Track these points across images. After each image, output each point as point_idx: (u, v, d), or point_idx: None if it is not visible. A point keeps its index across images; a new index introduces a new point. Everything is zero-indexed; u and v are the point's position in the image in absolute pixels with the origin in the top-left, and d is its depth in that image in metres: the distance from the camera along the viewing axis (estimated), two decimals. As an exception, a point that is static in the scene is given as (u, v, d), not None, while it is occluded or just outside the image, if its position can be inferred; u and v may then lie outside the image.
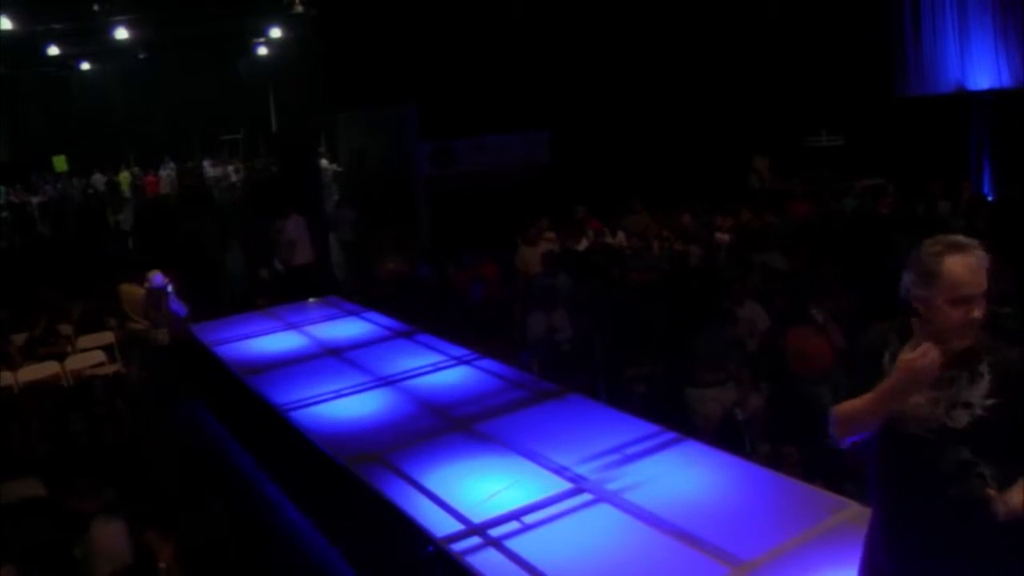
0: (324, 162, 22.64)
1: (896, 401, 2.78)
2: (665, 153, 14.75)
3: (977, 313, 2.75)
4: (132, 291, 9.57)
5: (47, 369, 9.31)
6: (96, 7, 19.02)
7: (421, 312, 8.92)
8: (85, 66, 27.86)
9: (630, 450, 5.17)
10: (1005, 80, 14.09)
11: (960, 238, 2.78)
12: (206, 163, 28.07)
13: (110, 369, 9.63)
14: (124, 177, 26.82)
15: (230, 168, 27.74)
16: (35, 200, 23.78)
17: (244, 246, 13.17)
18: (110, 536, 4.73)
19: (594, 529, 4.39)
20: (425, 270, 11.05)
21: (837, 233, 10.48)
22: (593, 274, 9.62)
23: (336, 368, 7.44)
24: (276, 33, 24.53)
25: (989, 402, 2.75)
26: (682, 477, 4.83)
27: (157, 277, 9.32)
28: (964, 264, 2.73)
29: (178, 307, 9.45)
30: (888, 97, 15.00)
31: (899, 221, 10.72)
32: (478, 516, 4.56)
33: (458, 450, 5.47)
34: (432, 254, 12.06)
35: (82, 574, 4.73)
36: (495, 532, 4.41)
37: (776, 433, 6.36)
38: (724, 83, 15.33)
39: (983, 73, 14.34)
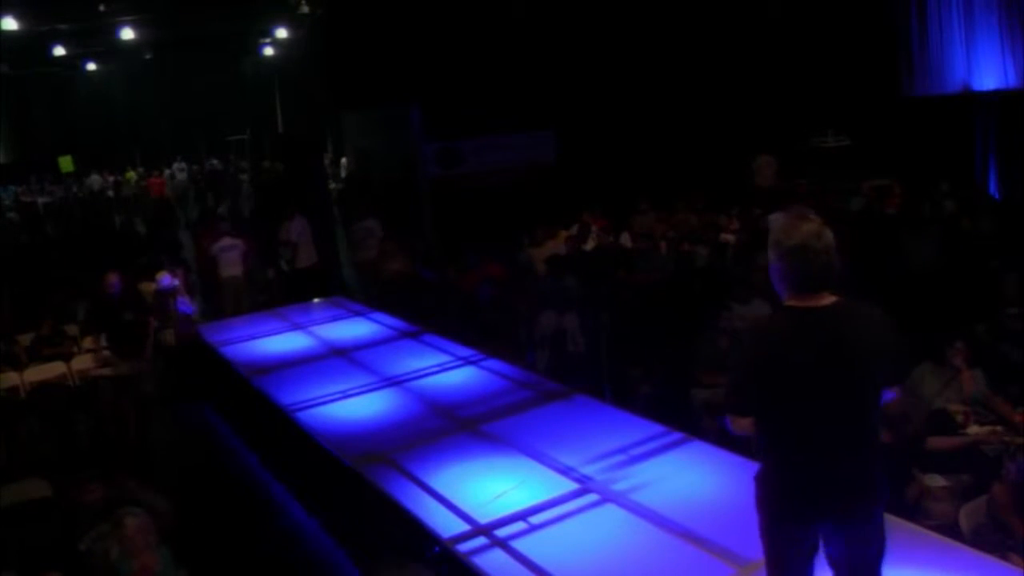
0: (344, 160, 22.45)
1: None
2: (670, 153, 14.73)
3: None
4: (152, 290, 9.58)
5: (53, 369, 9.32)
6: (102, 7, 19.01)
7: (426, 312, 8.92)
8: (91, 67, 27.86)
9: (636, 450, 5.17)
10: (1011, 80, 14.05)
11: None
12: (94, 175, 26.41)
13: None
14: (130, 177, 26.84)
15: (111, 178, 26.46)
16: (40, 200, 23.82)
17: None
18: (141, 531, 4.73)
19: (600, 529, 4.40)
20: (430, 270, 11.05)
21: (843, 233, 10.46)
22: (599, 275, 9.62)
23: (342, 368, 7.45)
24: (282, 33, 24.53)
25: None
26: (688, 477, 4.84)
27: (165, 278, 9.34)
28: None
29: (185, 307, 9.46)
30: (894, 97, 14.97)
31: (906, 221, 10.71)
32: (484, 516, 4.57)
33: (464, 450, 5.48)
34: (437, 254, 12.05)
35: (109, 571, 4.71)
36: (501, 532, 4.42)
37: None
38: (730, 83, 15.31)
39: (989, 73, 14.30)
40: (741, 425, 3.19)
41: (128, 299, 9.06)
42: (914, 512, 4.90)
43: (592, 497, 4.69)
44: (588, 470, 4.98)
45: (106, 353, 8.73)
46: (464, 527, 4.49)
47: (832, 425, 3.06)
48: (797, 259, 3.05)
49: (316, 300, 10.30)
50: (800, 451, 3.10)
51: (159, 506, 5.18)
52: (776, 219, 3.19)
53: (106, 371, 8.56)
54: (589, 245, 11.42)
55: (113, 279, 8.85)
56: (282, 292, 12.00)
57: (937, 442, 5.69)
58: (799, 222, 3.09)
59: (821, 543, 3.25)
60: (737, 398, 3.21)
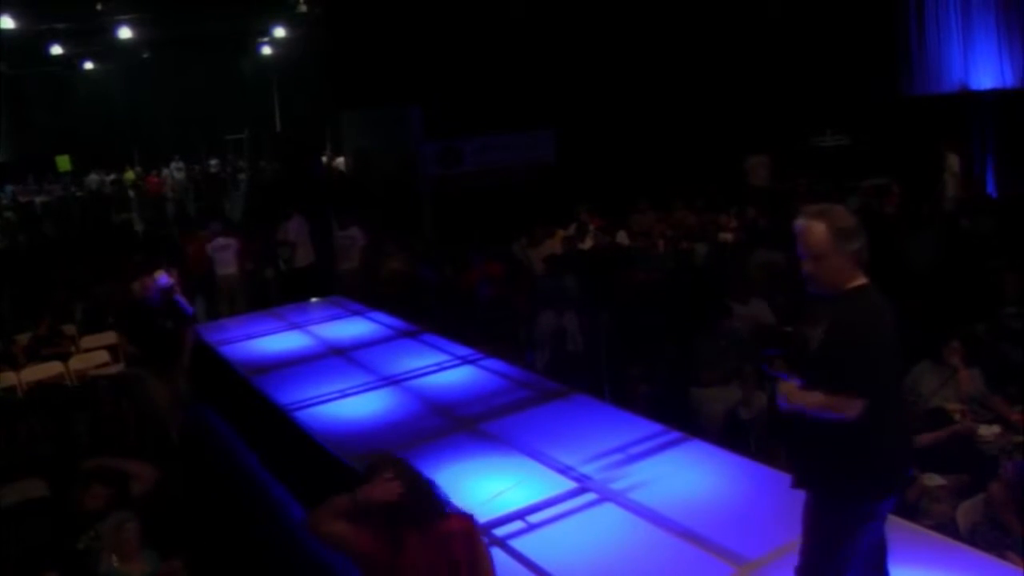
0: (340, 160, 22.33)
1: None
2: (670, 152, 14.75)
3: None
4: None
5: (51, 369, 9.31)
6: (99, 6, 19.03)
7: (425, 311, 8.91)
8: (88, 65, 27.81)
9: (634, 450, 5.17)
10: (1008, 80, 14.09)
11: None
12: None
13: (114, 369, 9.62)
14: (128, 176, 26.79)
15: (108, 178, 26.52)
16: (38, 200, 23.76)
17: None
18: (137, 534, 4.75)
19: (599, 528, 4.40)
20: (429, 270, 11.04)
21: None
22: (598, 274, 9.62)
23: (341, 368, 7.44)
24: (280, 32, 24.53)
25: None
26: (686, 476, 4.84)
27: (162, 277, 9.30)
28: None
29: (184, 307, 9.42)
30: (892, 97, 14.99)
31: (905, 221, 10.71)
32: (483, 516, 4.56)
33: (463, 450, 5.48)
34: (436, 254, 12.05)
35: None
36: (500, 531, 4.42)
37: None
38: (729, 82, 15.32)
39: (986, 73, 14.33)
40: (857, 407, 3.06)
41: (168, 307, 8.92)
42: (913, 512, 4.90)
43: (591, 496, 4.69)
44: (587, 469, 4.98)
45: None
46: (463, 526, 4.49)
47: (901, 398, 3.28)
48: (864, 238, 3.17)
49: (314, 299, 10.29)
50: (889, 425, 3.17)
51: (142, 471, 5.19)
52: (803, 223, 3.22)
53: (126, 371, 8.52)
54: (587, 244, 11.43)
55: (151, 284, 8.66)
56: (280, 291, 11.99)
57: (924, 438, 5.69)
58: (843, 209, 3.23)
59: None
60: (866, 381, 3.08)
